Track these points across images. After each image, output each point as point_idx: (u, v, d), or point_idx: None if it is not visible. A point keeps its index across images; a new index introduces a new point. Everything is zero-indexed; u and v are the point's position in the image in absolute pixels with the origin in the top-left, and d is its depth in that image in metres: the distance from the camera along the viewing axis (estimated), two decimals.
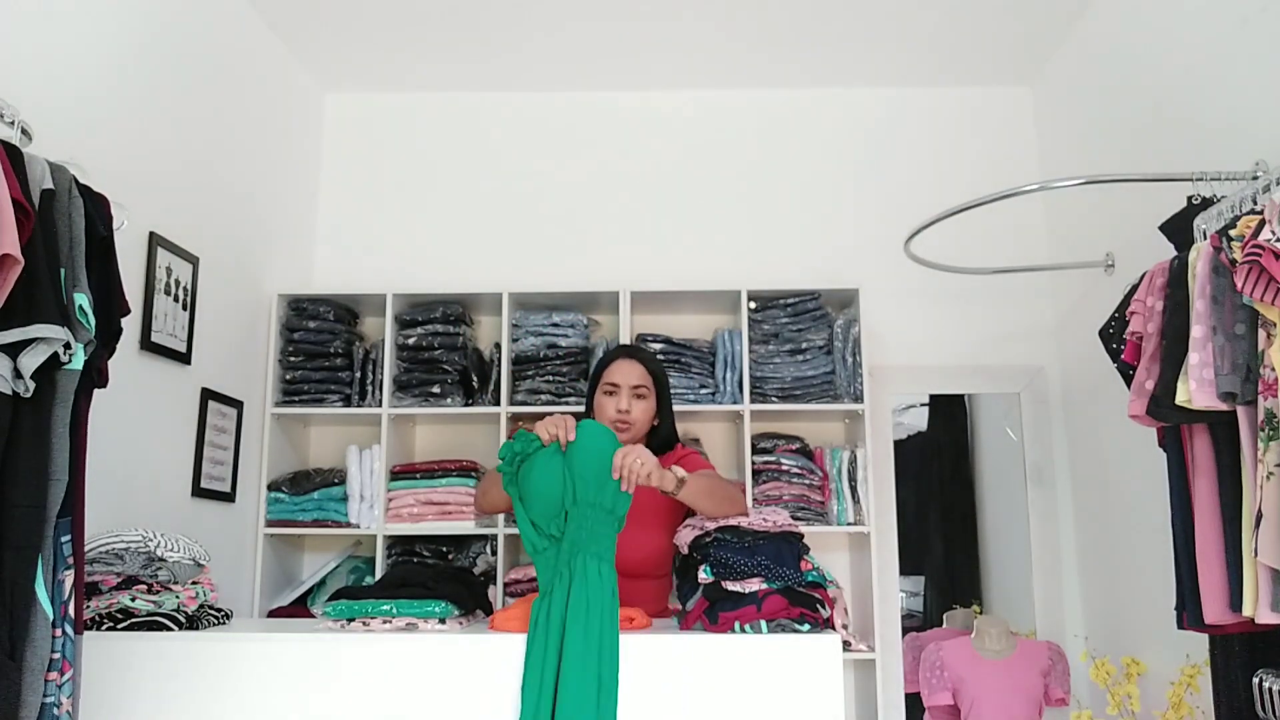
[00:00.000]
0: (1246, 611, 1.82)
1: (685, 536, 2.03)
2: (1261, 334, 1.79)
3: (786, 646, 1.82)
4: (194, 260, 2.85)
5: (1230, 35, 2.48)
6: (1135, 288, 2.15)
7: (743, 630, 1.85)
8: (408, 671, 1.82)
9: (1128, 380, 2.13)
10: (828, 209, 3.71)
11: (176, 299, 2.76)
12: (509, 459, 1.95)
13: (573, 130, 3.82)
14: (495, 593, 3.19)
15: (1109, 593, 3.16)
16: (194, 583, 2.07)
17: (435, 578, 1.97)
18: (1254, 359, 1.81)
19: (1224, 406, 1.85)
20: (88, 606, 1.90)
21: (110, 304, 1.79)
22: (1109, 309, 2.38)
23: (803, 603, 1.86)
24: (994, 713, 2.91)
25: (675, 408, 2.56)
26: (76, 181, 1.73)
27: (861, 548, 3.33)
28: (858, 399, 3.28)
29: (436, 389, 3.32)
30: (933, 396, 3.75)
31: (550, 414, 1.99)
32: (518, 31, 3.42)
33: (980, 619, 3.08)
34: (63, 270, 1.66)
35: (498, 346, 3.39)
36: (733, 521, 1.95)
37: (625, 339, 3.33)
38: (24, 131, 1.81)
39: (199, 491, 2.87)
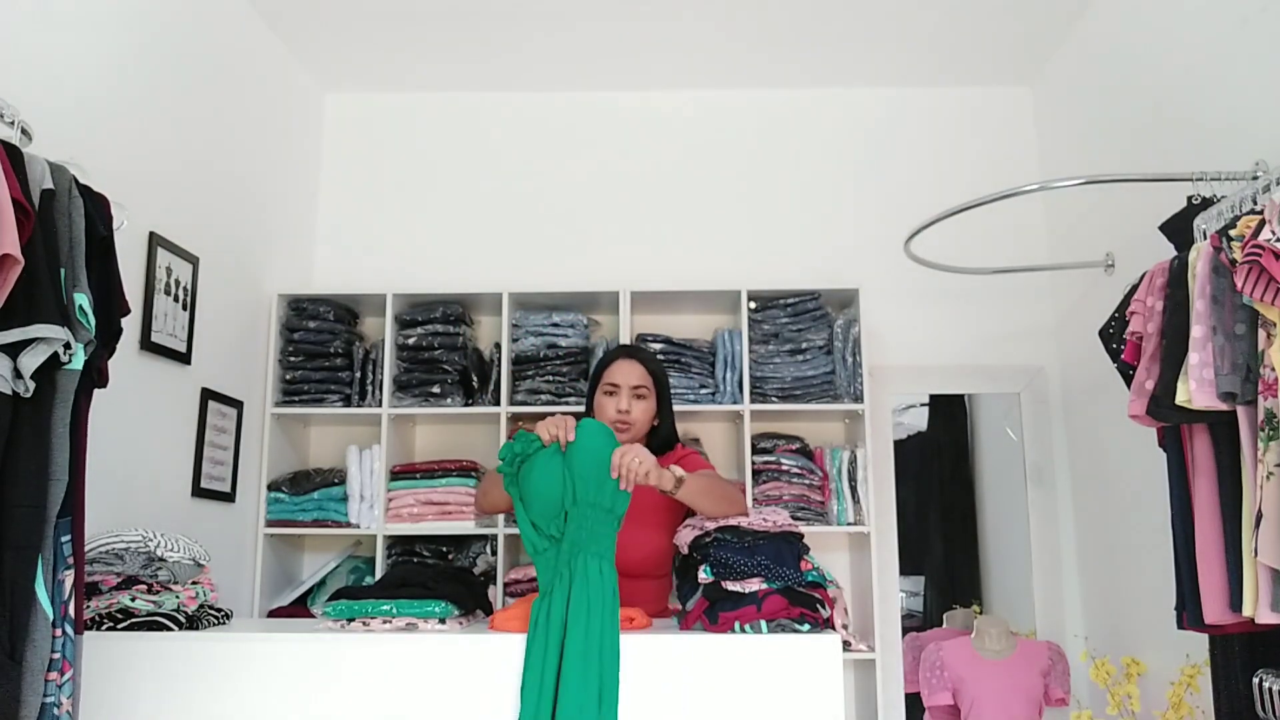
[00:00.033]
0: (1246, 611, 1.82)
1: (685, 536, 2.03)
2: (1261, 334, 1.79)
3: (786, 646, 1.82)
4: (194, 260, 2.86)
5: (1230, 35, 2.48)
6: (1135, 288, 2.15)
7: (743, 630, 1.85)
8: (408, 671, 1.82)
9: (1128, 380, 2.13)
10: (828, 209, 3.71)
11: (176, 299, 2.76)
12: (509, 459, 1.95)
13: (573, 130, 3.82)
14: (495, 593, 3.19)
15: (1109, 593, 3.16)
16: (194, 583, 2.07)
17: (435, 578, 1.97)
18: (1254, 359, 1.81)
19: (1224, 406, 1.85)
20: (88, 606, 1.90)
21: (110, 304, 1.79)
22: (1109, 309, 2.38)
23: (803, 603, 1.86)
24: (994, 713, 2.91)
25: (675, 408, 2.56)
26: (76, 181, 1.73)
27: (861, 548, 3.33)
28: (858, 399, 3.28)
29: (436, 389, 3.32)
30: (933, 396, 3.75)
31: (551, 414, 1.99)
32: (518, 31, 3.42)
33: (980, 619, 3.08)
34: (63, 270, 1.66)
35: (498, 346, 3.39)
36: (733, 521, 1.95)
37: (625, 339, 3.33)
38: (24, 131, 1.81)
39: (199, 491, 2.87)
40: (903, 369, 3.56)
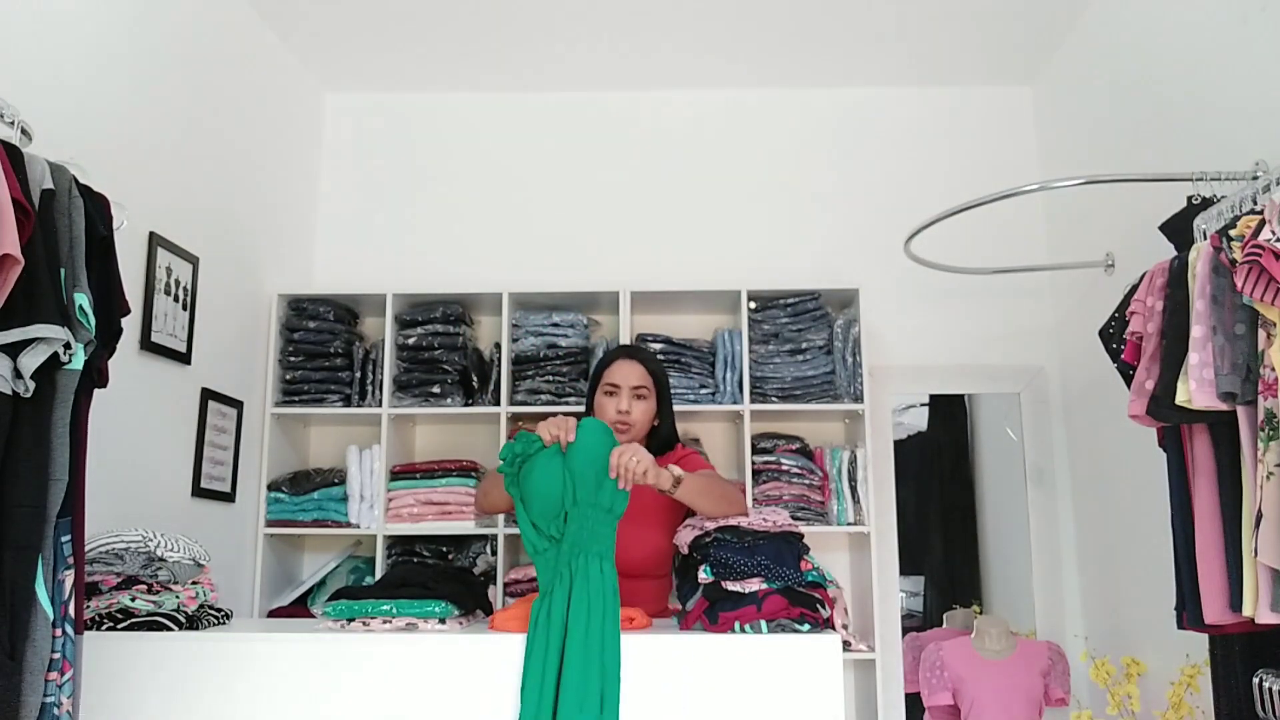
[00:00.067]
0: (1246, 611, 1.82)
1: (685, 536, 2.03)
2: (1261, 334, 1.79)
3: (786, 646, 1.82)
4: (194, 260, 2.86)
5: (1230, 35, 2.48)
6: (1135, 288, 2.15)
7: (743, 630, 1.85)
8: (408, 671, 1.82)
9: (1128, 380, 2.13)
10: (828, 209, 3.71)
11: (176, 299, 2.76)
12: (510, 460, 1.95)
13: (573, 130, 3.82)
14: (495, 593, 3.19)
15: (1109, 593, 3.16)
16: (194, 583, 2.07)
17: (435, 578, 1.97)
18: (1254, 359, 1.81)
19: (1224, 406, 1.85)
20: (88, 606, 1.90)
21: (110, 304, 1.79)
22: (1109, 309, 2.38)
23: (803, 603, 1.86)
24: (994, 713, 2.91)
25: (675, 408, 2.56)
26: (76, 181, 1.73)
27: (861, 548, 3.33)
28: (858, 399, 3.28)
29: (436, 389, 3.32)
30: (933, 396, 3.75)
31: (551, 414, 1.99)
32: (518, 31, 3.42)
33: (980, 619, 3.08)
34: (63, 270, 1.66)
35: (498, 346, 3.39)
36: (732, 521, 1.95)
37: (625, 339, 3.33)
38: (24, 131, 1.81)
39: (199, 491, 2.87)
40: (903, 369, 3.56)
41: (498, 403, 3.32)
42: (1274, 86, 2.31)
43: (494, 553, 3.25)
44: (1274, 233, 1.73)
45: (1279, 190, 1.93)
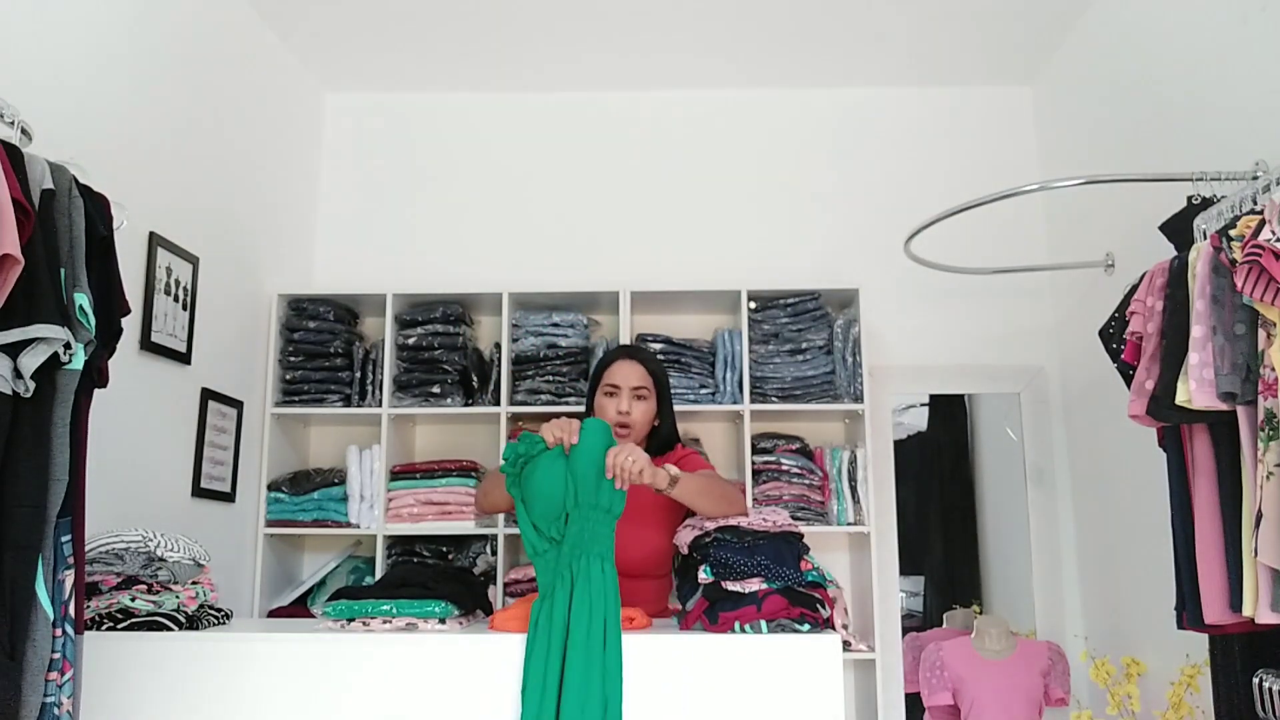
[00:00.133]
0: (1246, 611, 1.82)
1: (685, 536, 2.03)
2: (1261, 334, 1.79)
3: (786, 646, 1.82)
4: (194, 260, 2.86)
5: (1230, 35, 2.48)
6: (1135, 288, 2.15)
7: (743, 630, 1.85)
8: (408, 671, 1.82)
9: (1128, 380, 2.13)
10: (828, 209, 3.71)
11: (176, 299, 2.76)
12: (512, 460, 1.95)
13: (573, 130, 3.82)
14: (495, 593, 3.19)
15: (1109, 593, 3.16)
16: (194, 583, 2.07)
17: (435, 578, 1.97)
18: (1254, 359, 1.81)
19: (1224, 406, 1.85)
20: (88, 606, 1.90)
21: (110, 304, 1.79)
22: (1109, 309, 2.38)
23: (803, 603, 1.86)
24: (994, 713, 2.91)
25: (675, 408, 2.56)
26: (76, 181, 1.73)
27: (861, 548, 3.33)
28: (858, 399, 3.28)
29: (436, 389, 3.32)
30: (933, 396, 3.75)
31: (551, 414, 1.99)
32: (518, 31, 3.42)
33: (980, 619, 3.08)
34: (63, 270, 1.66)
35: (498, 346, 3.39)
36: (732, 521, 1.95)
37: (625, 339, 3.33)
38: (24, 131, 1.81)
39: (199, 491, 2.87)
40: (903, 369, 3.56)
41: (498, 403, 3.32)
42: (1274, 86, 2.31)
43: (494, 553, 3.25)
44: (1274, 233, 1.73)
45: (1279, 190, 1.93)
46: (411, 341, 3.37)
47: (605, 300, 3.42)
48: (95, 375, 1.74)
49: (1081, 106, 3.36)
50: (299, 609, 3.24)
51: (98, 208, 1.77)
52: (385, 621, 1.88)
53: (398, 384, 3.35)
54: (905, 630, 3.41)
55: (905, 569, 3.45)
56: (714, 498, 2.01)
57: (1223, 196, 2.14)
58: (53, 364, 1.61)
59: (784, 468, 3.27)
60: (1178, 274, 2.00)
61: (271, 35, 3.42)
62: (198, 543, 2.14)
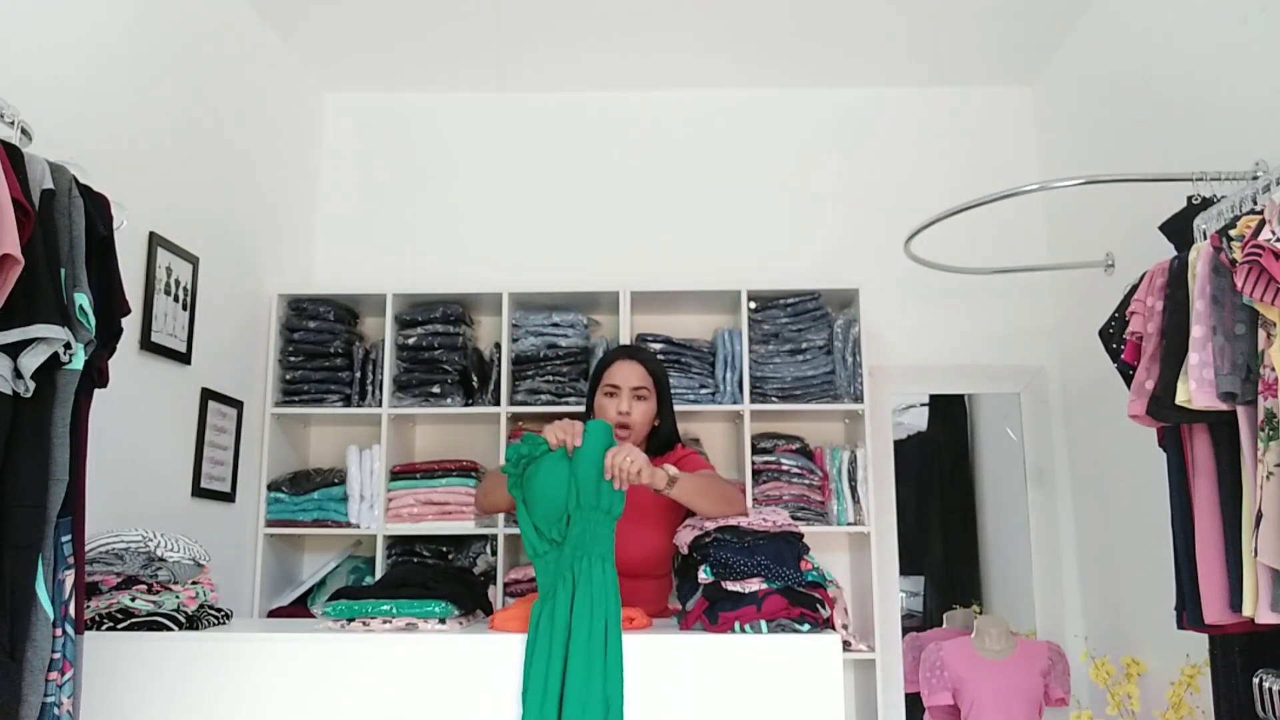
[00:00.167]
0: (1246, 611, 1.82)
1: (685, 536, 2.03)
2: (1261, 334, 1.79)
3: (786, 646, 1.82)
4: (194, 260, 2.86)
5: (1230, 34, 2.48)
6: (1135, 288, 2.15)
7: (743, 630, 1.85)
8: (408, 671, 1.82)
9: (1128, 380, 2.13)
10: (828, 209, 3.71)
11: (176, 299, 2.76)
12: (515, 461, 1.95)
13: (572, 130, 3.82)
14: (495, 593, 3.19)
15: (1109, 593, 3.16)
16: (194, 583, 2.07)
17: (435, 578, 1.97)
18: (1254, 359, 1.81)
19: (1224, 406, 1.85)
20: (88, 606, 1.90)
21: (110, 304, 1.79)
22: (1109, 309, 2.38)
23: (803, 603, 1.86)
24: (994, 713, 2.91)
25: (675, 408, 2.56)
26: (76, 181, 1.73)
27: (861, 548, 3.33)
28: (858, 399, 3.28)
29: (436, 389, 3.32)
30: (933, 396, 3.75)
31: (551, 414, 1.99)
32: (518, 31, 3.42)
33: (980, 619, 3.08)
34: (63, 270, 1.66)
35: (498, 346, 3.39)
36: (732, 521, 1.95)
37: (625, 339, 3.33)
38: (24, 131, 1.81)
39: (199, 491, 2.87)
40: (903, 369, 3.56)
41: (498, 403, 3.31)
42: (1274, 86, 2.31)
43: (494, 553, 3.25)
44: (1274, 233, 1.73)
45: (1279, 190, 1.93)
46: (411, 341, 3.37)
47: (605, 300, 3.42)
48: (95, 375, 1.74)
49: (1081, 106, 3.36)
50: (299, 609, 3.24)
51: (98, 208, 1.77)
52: (385, 621, 1.87)
53: (398, 384, 3.35)
54: (905, 630, 3.41)
55: (905, 569, 3.45)
56: (713, 498, 2.01)
57: (1223, 196, 2.14)
58: (53, 364, 1.61)
59: (784, 468, 3.27)
60: (1178, 274, 2.00)
61: (271, 35, 3.42)
62: (198, 543, 2.14)
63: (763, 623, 1.84)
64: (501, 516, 3.22)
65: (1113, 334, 2.32)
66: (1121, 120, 3.07)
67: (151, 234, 2.65)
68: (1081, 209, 3.34)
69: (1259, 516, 1.74)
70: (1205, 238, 2.09)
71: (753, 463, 3.26)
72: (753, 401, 3.28)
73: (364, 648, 1.83)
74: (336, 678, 1.82)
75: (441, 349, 3.36)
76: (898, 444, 3.55)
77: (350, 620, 1.89)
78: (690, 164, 3.77)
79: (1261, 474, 1.75)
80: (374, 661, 1.82)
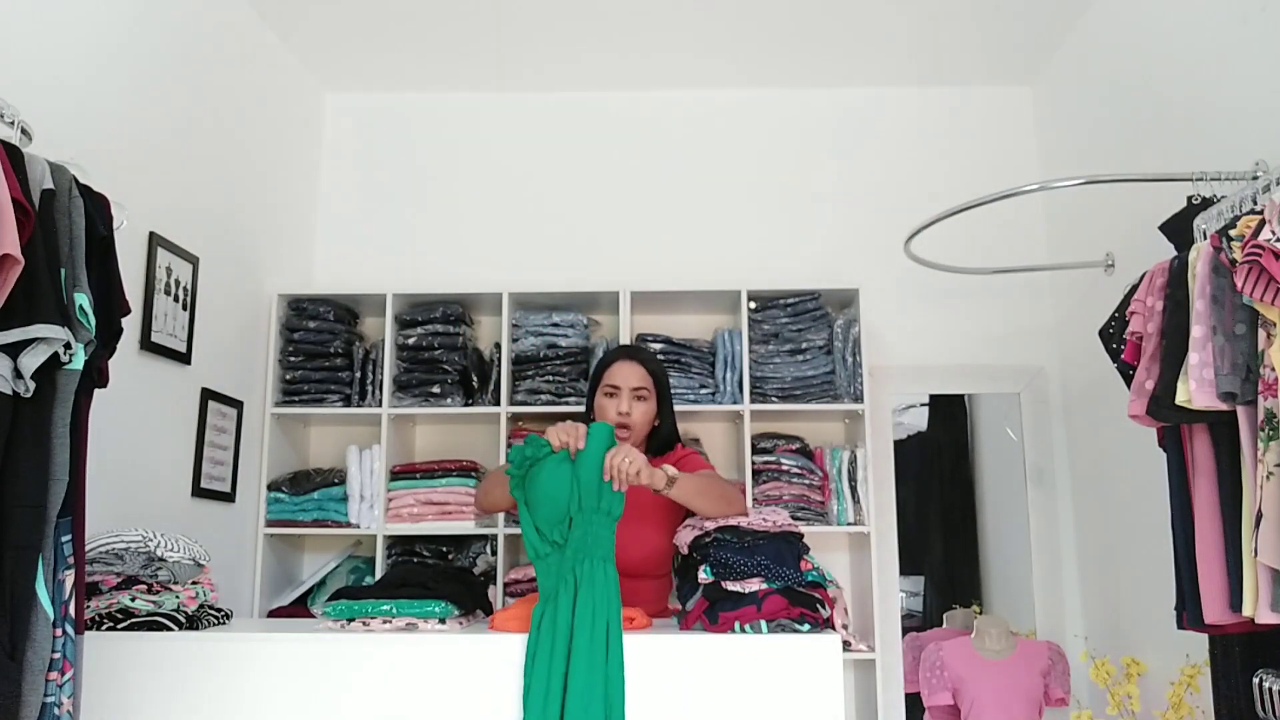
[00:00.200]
0: (1246, 611, 1.82)
1: (685, 537, 2.03)
2: (1261, 334, 1.79)
3: (786, 646, 1.82)
4: (194, 260, 2.86)
5: (1230, 34, 2.48)
6: (1135, 288, 2.15)
7: (743, 630, 1.85)
8: (408, 671, 1.82)
9: (1128, 380, 2.13)
10: (828, 209, 3.71)
11: (176, 299, 2.76)
12: (519, 463, 1.95)
13: (573, 130, 3.82)
14: (495, 593, 3.19)
15: (1109, 593, 3.16)
16: (194, 583, 2.07)
17: (435, 578, 1.97)
18: (1254, 359, 1.81)
19: (1224, 406, 1.85)
20: (88, 606, 1.90)
21: (110, 304, 1.79)
22: (1109, 309, 2.38)
23: (803, 603, 1.86)
24: (994, 713, 2.91)
25: (675, 408, 2.56)
26: (76, 181, 1.73)
27: (861, 548, 3.33)
28: (858, 399, 3.28)
29: (436, 389, 3.32)
30: (933, 396, 3.75)
31: (551, 414, 1.99)
32: (518, 31, 3.42)
33: (980, 619, 3.08)
34: (63, 270, 1.66)
35: (498, 346, 3.39)
36: (732, 521, 1.95)
37: (625, 339, 3.33)
38: (24, 131, 1.81)
39: (199, 491, 2.87)
40: (903, 369, 3.56)
41: (498, 403, 3.31)
42: (1274, 86, 2.31)
43: (494, 553, 3.25)
44: (1274, 233, 1.73)
45: (1279, 190, 1.93)
46: (411, 341, 3.37)
47: (605, 300, 3.42)
48: (95, 375, 1.74)
49: (1081, 106, 3.36)
50: (299, 609, 3.24)
51: (98, 208, 1.77)
52: (385, 621, 1.88)
53: (398, 384, 3.35)
54: (905, 630, 3.41)
55: (905, 569, 3.45)
56: (713, 498, 2.01)
57: (1223, 196, 2.14)
58: (53, 364, 1.61)
59: (784, 468, 3.27)
60: (1178, 274, 2.00)
61: (271, 35, 3.42)
62: (198, 543, 2.14)
63: (763, 623, 1.85)
64: (501, 516, 3.22)
65: (1113, 334, 2.32)
66: (1121, 120, 3.07)
67: (151, 234, 2.65)
68: (1081, 209, 3.34)
69: (1259, 516, 1.74)
70: (1205, 238, 2.09)
71: (753, 463, 3.26)
72: (753, 401, 3.28)
73: (364, 648, 1.84)
74: (336, 678, 1.82)
75: (441, 349, 3.36)
76: (898, 444, 3.55)
77: (350, 620, 1.89)
78: (690, 164, 3.77)
79: (1261, 474, 1.75)
80: (374, 661, 1.82)
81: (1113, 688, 2.80)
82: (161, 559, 1.99)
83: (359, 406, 3.34)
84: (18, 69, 2.10)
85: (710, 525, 1.96)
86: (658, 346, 3.32)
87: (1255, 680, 1.97)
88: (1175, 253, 2.13)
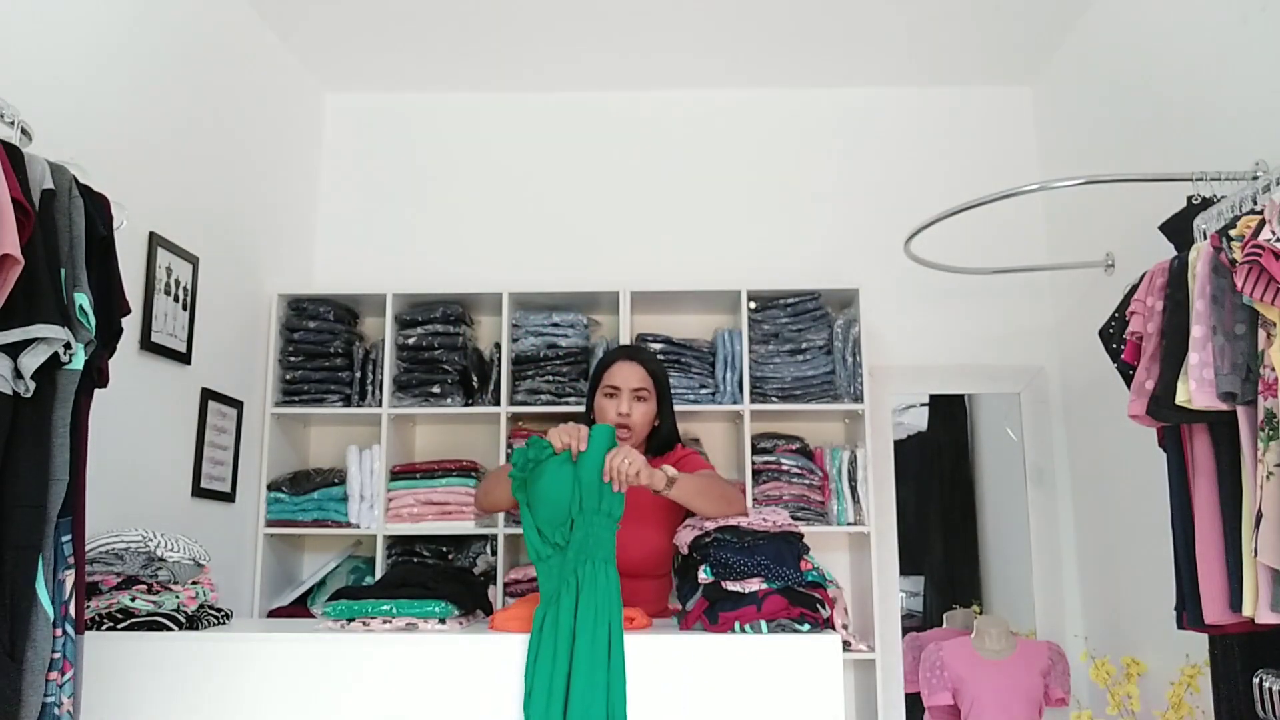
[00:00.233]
0: (1246, 611, 1.82)
1: (685, 537, 2.03)
2: (1261, 334, 1.79)
3: (786, 646, 1.82)
4: (194, 260, 2.86)
5: (1230, 34, 2.48)
6: (1135, 288, 2.15)
7: (743, 630, 1.85)
8: (408, 671, 1.82)
9: (1128, 380, 2.13)
10: (828, 209, 3.71)
11: (176, 299, 2.76)
12: (521, 465, 1.95)
13: (572, 130, 3.82)
14: (495, 593, 3.19)
15: (1109, 593, 3.16)
16: (194, 583, 2.07)
17: (435, 578, 1.97)
18: (1254, 359, 1.81)
19: (1224, 406, 1.85)
20: (88, 606, 1.90)
21: (110, 304, 1.79)
22: (1109, 309, 2.38)
23: (803, 603, 1.86)
24: (994, 713, 2.91)
25: (675, 408, 2.56)
26: (76, 181, 1.74)
27: (861, 548, 3.33)
28: (858, 399, 3.28)
29: (436, 389, 3.32)
30: (933, 396, 3.75)
31: (550, 414, 1.99)
32: (517, 31, 3.42)
33: (980, 619, 3.08)
34: (63, 270, 1.66)
35: (498, 346, 3.39)
36: (732, 521, 1.95)
37: (625, 339, 3.33)
38: (24, 131, 1.81)
39: (199, 491, 2.87)
40: (903, 369, 3.56)
41: (498, 403, 3.31)
42: (1274, 86, 2.31)
43: (494, 553, 3.25)
44: (1274, 233, 1.73)
45: (1279, 190, 1.93)
46: (411, 341, 3.37)
47: (605, 300, 3.42)
48: (95, 375, 1.74)
49: (1081, 106, 3.36)
50: (299, 609, 3.24)
51: (98, 208, 1.77)
52: (385, 621, 1.88)
53: (398, 384, 3.35)
54: (905, 630, 3.41)
55: (905, 569, 3.45)
56: (712, 498, 2.01)
57: (1223, 196, 2.14)
58: (53, 364, 1.61)
59: (784, 468, 3.27)
60: (1178, 274, 2.00)
61: (271, 35, 3.42)
62: (198, 543, 2.14)
63: (763, 623, 1.85)
64: (501, 517, 3.22)
65: (1113, 334, 2.32)
66: (1121, 120, 3.07)
67: (151, 234, 2.65)
68: (1081, 209, 3.34)
69: (1259, 516, 1.74)
70: (1205, 238, 2.09)
71: (753, 463, 3.26)
72: (753, 401, 3.28)
73: (364, 648, 1.84)
74: (336, 678, 1.82)
75: (441, 349, 3.36)
76: (898, 444, 3.55)
77: (350, 620, 1.89)
78: (690, 164, 3.77)
79: (1261, 474, 1.75)
80: (374, 661, 1.82)
81: (1113, 688, 2.80)
82: (161, 559, 1.99)
83: (359, 406, 3.34)
84: (18, 69, 2.10)
85: (710, 525, 1.96)
86: (658, 346, 3.32)
87: (1255, 680, 1.97)
88: (1175, 253, 2.13)
